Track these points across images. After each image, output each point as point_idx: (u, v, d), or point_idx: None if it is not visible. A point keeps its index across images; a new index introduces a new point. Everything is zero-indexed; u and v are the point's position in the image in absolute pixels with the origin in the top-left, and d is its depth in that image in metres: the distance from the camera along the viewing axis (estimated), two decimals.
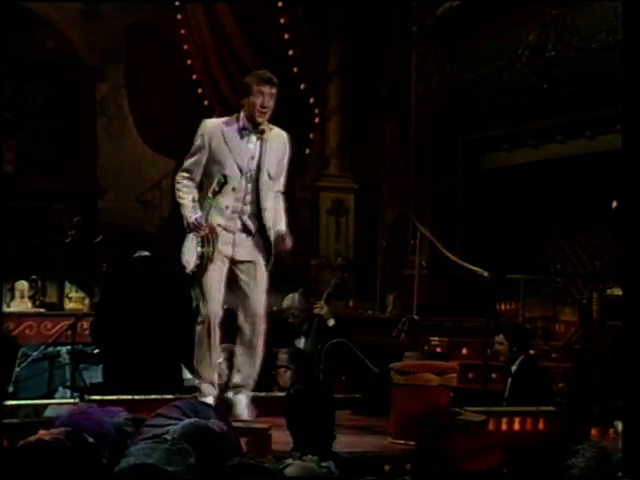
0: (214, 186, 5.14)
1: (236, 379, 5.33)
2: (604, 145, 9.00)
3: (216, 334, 5.22)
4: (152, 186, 14.13)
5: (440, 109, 10.52)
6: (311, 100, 11.78)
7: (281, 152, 5.30)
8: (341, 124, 11.78)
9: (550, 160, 9.83)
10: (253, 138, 5.23)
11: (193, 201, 5.20)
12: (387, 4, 11.14)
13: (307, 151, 11.95)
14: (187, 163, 5.27)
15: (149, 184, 14.13)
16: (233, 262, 5.26)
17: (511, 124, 10.04)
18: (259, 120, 5.19)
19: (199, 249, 5.13)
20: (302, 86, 11.59)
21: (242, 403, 5.25)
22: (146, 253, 6.02)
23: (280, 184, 5.35)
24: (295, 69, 11.65)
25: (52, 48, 13.28)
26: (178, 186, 5.27)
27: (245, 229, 5.25)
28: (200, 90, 12.96)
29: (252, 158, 5.22)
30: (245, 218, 5.24)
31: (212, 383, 5.27)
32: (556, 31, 9.22)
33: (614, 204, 7.02)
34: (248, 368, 5.34)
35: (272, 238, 5.26)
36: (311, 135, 11.91)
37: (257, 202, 5.23)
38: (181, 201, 5.23)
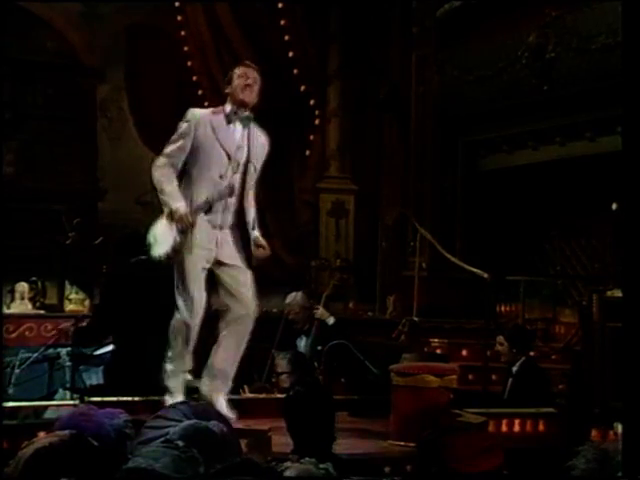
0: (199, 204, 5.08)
1: (213, 381, 5.22)
2: (604, 147, 9.00)
3: (193, 338, 5.16)
4: (152, 188, 14.09)
5: (440, 110, 10.52)
6: (311, 102, 11.77)
7: (263, 149, 5.30)
8: (341, 126, 11.77)
9: (550, 162, 9.82)
10: (239, 126, 5.20)
11: (176, 189, 5.11)
12: (387, 5, 11.13)
13: (307, 153, 11.95)
14: (169, 149, 5.18)
15: (149, 186, 14.06)
16: (217, 263, 5.18)
17: (511, 125, 10.03)
18: (247, 99, 5.18)
19: (177, 239, 5.03)
20: (302, 88, 11.58)
21: (223, 404, 5.16)
22: (145, 257, 5.99)
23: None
24: (295, 71, 11.64)
25: (52, 49, 13.26)
26: (158, 171, 5.15)
27: (229, 225, 5.18)
28: (200, 91, 12.96)
29: (239, 148, 5.18)
30: (228, 213, 5.17)
31: (182, 383, 5.20)
32: (556, 32, 9.21)
33: (614, 206, 7.02)
34: (230, 371, 5.27)
35: (252, 237, 5.21)
36: (311, 137, 11.91)
37: (242, 196, 5.18)
38: (162, 186, 5.13)
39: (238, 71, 5.25)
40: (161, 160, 5.20)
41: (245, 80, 5.19)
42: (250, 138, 5.21)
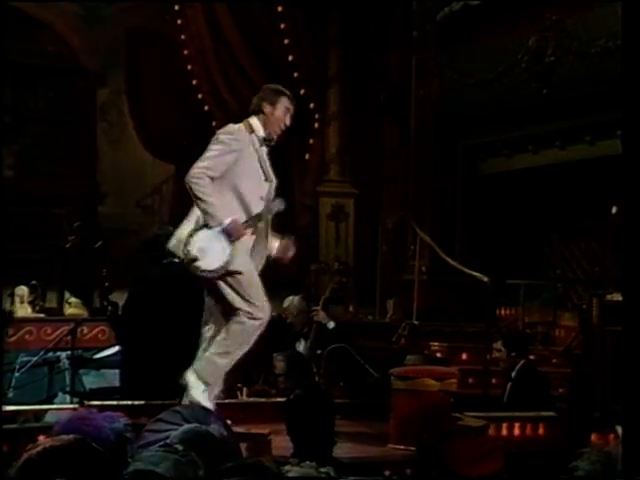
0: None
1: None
2: (604, 150, 8.99)
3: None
4: (152, 191, 14.14)
5: (440, 114, 10.52)
6: (311, 105, 11.78)
7: None
8: (341, 129, 11.78)
9: (550, 165, 9.82)
10: (264, 150, 5.30)
11: (221, 202, 5.12)
12: (387, 9, 11.14)
13: (307, 156, 11.95)
14: (211, 162, 5.10)
15: (149, 189, 14.14)
16: None
17: (511, 129, 10.03)
18: (274, 135, 5.26)
19: (227, 250, 5.06)
20: (302, 91, 11.59)
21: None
22: (176, 260, 5.88)
23: None
24: (295, 74, 11.66)
25: (52, 53, 13.28)
26: (201, 182, 5.04)
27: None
28: (200, 95, 12.98)
29: (268, 167, 5.32)
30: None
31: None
32: (556, 36, 9.21)
33: (614, 209, 7.02)
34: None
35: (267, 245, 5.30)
36: (311, 140, 11.92)
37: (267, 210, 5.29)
38: (208, 199, 5.05)
39: (285, 103, 5.27)
40: (201, 172, 5.09)
41: (287, 120, 5.26)
42: (268, 160, 5.32)
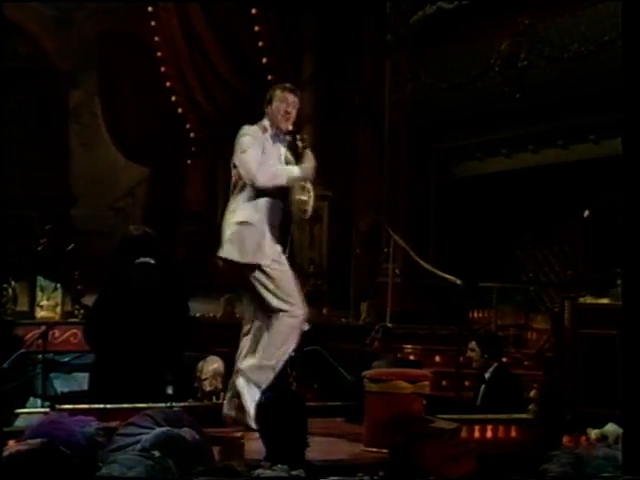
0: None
1: None
2: (576, 154, 9.06)
3: None
4: (125, 194, 14.06)
5: (413, 118, 10.55)
6: None
7: None
8: (315, 132, 11.77)
9: (523, 169, 9.87)
10: (280, 147, 5.48)
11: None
12: (361, 13, 11.16)
13: None
14: (255, 158, 5.28)
15: (122, 192, 14.07)
16: None
17: (484, 133, 10.07)
18: (283, 127, 5.41)
19: None
20: None
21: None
22: (150, 260, 5.83)
23: None
24: (269, 77, 11.65)
25: (24, 55, 13.18)
26: (268, 175, 5.30)
27: None
28: (174, 97, 12.94)
29: (281, 163, 5.48)
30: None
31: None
32: (528, 41, 9.26)
33: (586, 213, 7.07)
34: None
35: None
36: None
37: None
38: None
39: (279, 94, 5.44)
40: (259, 168, 5.31)
41: (286, 107, 5.41)
42: (286, 155, 5.50)
